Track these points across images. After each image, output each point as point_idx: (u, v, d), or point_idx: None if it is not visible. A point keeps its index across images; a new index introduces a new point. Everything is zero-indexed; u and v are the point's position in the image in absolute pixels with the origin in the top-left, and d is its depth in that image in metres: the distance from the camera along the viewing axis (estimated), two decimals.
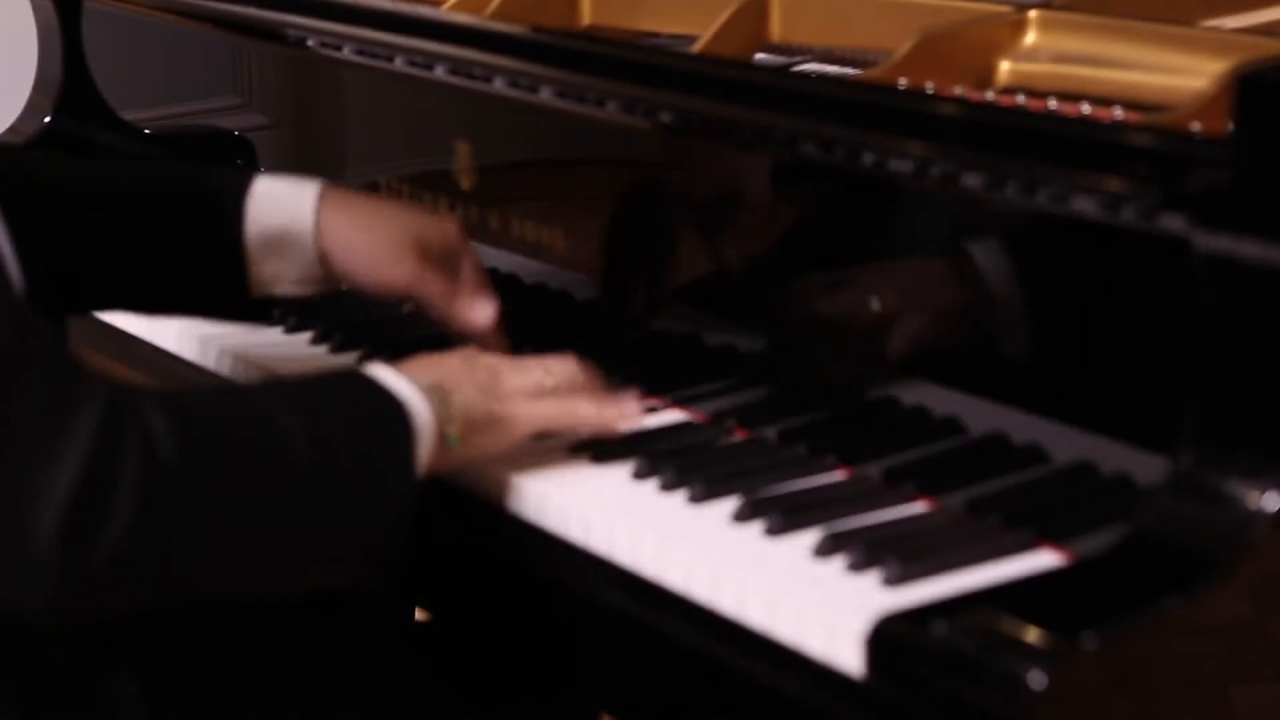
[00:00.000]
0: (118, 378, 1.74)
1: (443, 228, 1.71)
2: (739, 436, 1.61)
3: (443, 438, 1.45)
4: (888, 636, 1.27)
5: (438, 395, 1.45)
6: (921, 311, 1.52)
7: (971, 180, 1.43)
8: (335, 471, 1.37)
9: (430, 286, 1.68)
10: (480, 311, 1.68)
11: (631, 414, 1.57)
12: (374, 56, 1.95)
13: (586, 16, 2.08)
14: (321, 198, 1.68)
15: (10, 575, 1.23)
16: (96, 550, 1.22)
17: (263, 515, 1.34)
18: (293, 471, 1.34)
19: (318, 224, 1.67)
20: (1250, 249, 1.27)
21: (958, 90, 1.65)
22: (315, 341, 1.91)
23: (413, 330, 1.82)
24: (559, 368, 1.55)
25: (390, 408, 1.42)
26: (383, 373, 1.46)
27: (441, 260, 1.69)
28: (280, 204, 1.68)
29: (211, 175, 1.77)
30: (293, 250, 1.69)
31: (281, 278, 1.70)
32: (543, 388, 1.53)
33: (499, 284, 1.75)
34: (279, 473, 1.34)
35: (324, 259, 1.68)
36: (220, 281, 1.70)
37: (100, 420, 1.23)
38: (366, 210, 1.71)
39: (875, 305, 1.53)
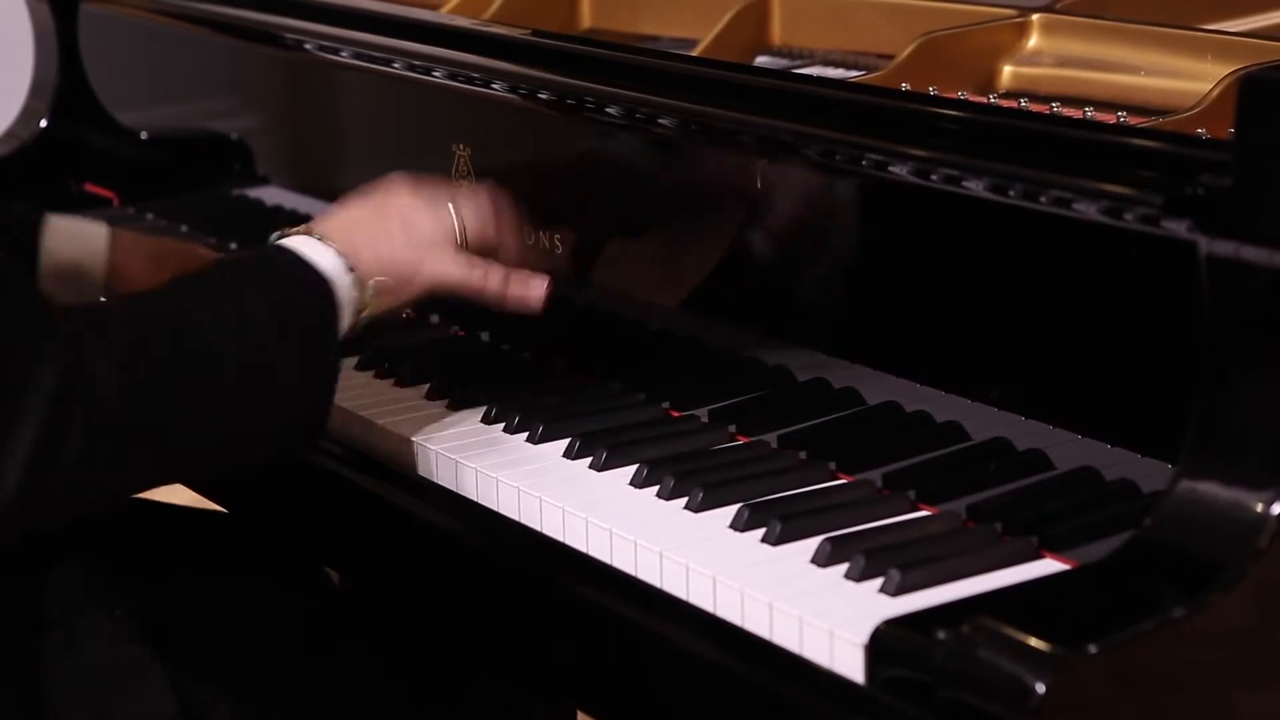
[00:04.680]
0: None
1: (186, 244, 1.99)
2: (739, 442, 1.60)
3: (356, 318, 1.58)
4: (889, 644, 1.26)
5: (354, 277, 1.56)
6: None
7: (974, 184, 1.42)
8: (262, 367, 1.49)
9: None
10: None
11: (536, 296, 1.66)
12: (372, 60, 1.94)
13: (586, 20, 2.08)
14: (112, 234, 1.89)
15: None
16: (54, 482, 1.37)
17: (198, 421, 1.46)
18: (220, 383, 1.46)
19: (111, 256, 1.87)
20: (1255, 253, 1.26)
21: (960, 94, 1.65)
22: None
23: None
24: (470, 210, 1.65)
25: (316, 285, 1.54)
26: (306, 246, 1.56)
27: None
28: (72, 239, 1.87)
29: (7, 211, 1.96)
30: (81, 280, 1.85)
31: None
32: (453, 236, 1.64)
33: None
34: (209, 383, 1.46)
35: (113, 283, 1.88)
36: None
37: (52, 387, 1.36)
38: (148, 241, 1.94)
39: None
